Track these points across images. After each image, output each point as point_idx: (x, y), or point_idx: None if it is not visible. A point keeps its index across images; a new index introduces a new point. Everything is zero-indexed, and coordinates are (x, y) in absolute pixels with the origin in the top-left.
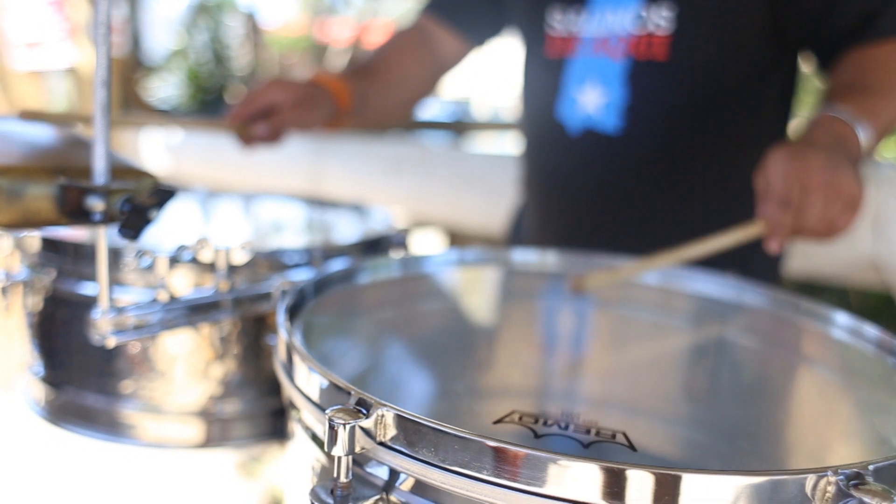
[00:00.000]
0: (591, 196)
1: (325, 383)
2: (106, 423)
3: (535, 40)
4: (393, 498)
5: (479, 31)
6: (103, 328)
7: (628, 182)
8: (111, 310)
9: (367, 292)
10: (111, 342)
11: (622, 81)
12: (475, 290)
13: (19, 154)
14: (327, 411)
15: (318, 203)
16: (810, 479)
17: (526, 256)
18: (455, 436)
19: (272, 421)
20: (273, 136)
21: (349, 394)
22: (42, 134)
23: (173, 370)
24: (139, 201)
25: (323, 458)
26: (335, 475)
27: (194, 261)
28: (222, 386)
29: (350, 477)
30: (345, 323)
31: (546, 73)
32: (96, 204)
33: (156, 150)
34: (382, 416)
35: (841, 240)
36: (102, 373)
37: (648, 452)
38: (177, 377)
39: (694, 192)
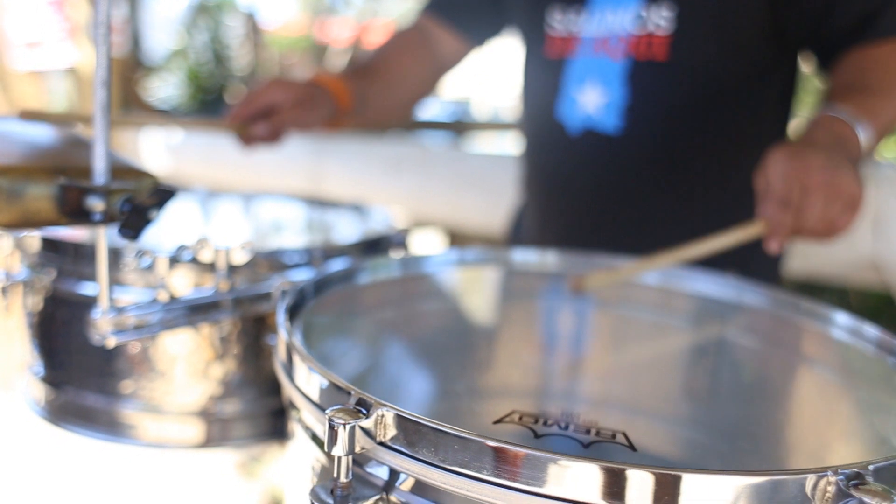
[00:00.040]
0: (591, 196)
1: (325, 383)
2: (106, 423)
3: (535, 40)
4: (393, 498)
5: (478, 31)
6: (103, 328)
7: (628, 182)
8: (111, 310)
9: (367, 292)
10: (111, 342)
11: (622, 81)
12: (475, 290)
13: (19, 154)
14: (327, 411)
15: (318, 203)
16: (810, 479)
17: (526, 256)
18: (455, 436)
19: (272, 421)
20: (273, 136)
21: (349, 394)
22: (42, 134)
23: (173, 370)
24: (139, 201)
25: (323, 458)
26: (335, 475)
27: (194, 261)
28: (222, 386)
29: (350, 477)
30: (345, 323)
31: (546, 73)
32: (96, 204)
33: (156, 150)
34: (382, 415)
35: (841, 240)
36: (102, 373)
37: (648, 452)
38: (177, 377)
39: (694, 192)
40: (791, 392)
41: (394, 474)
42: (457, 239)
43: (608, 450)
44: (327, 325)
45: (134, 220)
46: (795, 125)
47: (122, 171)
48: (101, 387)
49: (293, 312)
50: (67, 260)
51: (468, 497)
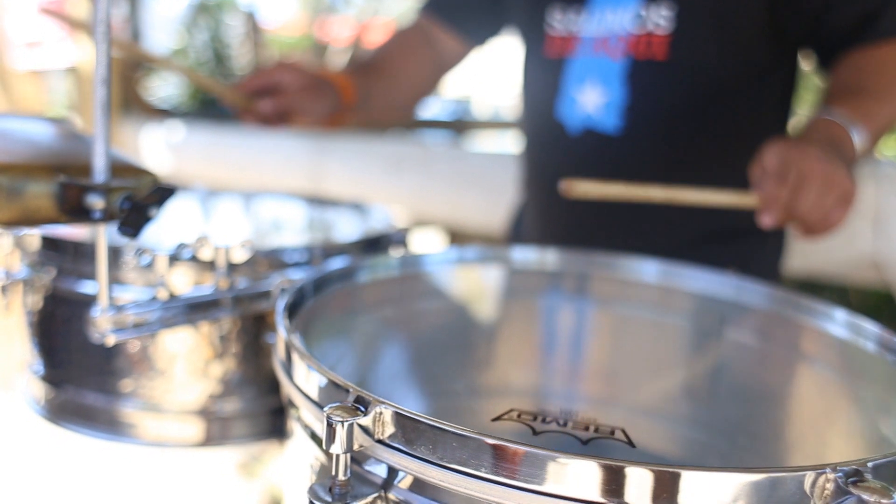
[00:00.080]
0: None
1: (324, 381)
2: (106, 422)
3: (535, 40)
4: (391, 496)
5: (478, 31)
6: (103, 326)
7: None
8: (111, 308)
9: (366, 291)
10: (111, 340)
11: (622, 81)
12: (475, 288)
13: (19, 152)
14: (325, 409)
15: (319, 201)
16: (809, 477)
17: (526, 255)
18: (453, 433)
19: (272, 419)
20: (274, 118)
21: (347, 391)
22: (42, 131)
23: (173, 369)
24: (139, 199)
25: (322, 456)
26: (333, 473)
27: (194, 259)
28: (222, 384)
29: (348, 475)
30: (344, 321)
31: (546, 73)
32: (96, 202)
33: (156, 148)
34: (381, 413)
35: (841, 238)
36: (102, 371)
37: (648, 450)
38: (176, 376)
39: None
40: (791, 390)
41: (392, 472)
42: (457, 237)
43: (607, 447)
44: (327, 324)
45: (134, 218)
46: (795, 124)
47: (122, 169)
48: (100, 385)
49: (292, 311)
50: (67, 258)
51: (467, 495)
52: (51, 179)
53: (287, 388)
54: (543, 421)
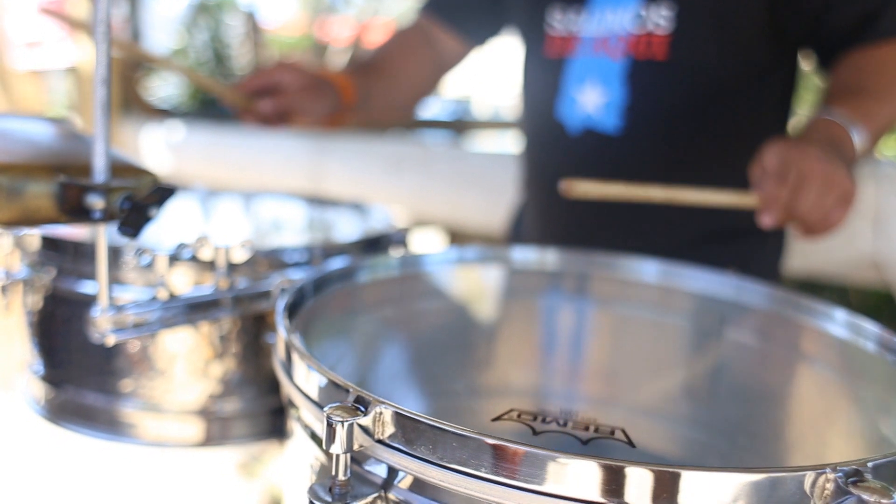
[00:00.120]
0: None
1: (324, 381)
2: (106, 422)
3: (535, 40)
4: (391, 496)
5: (478, 31)
6: (103, 326)
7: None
8: (111, 308)
9: (366, 291)
10: (111, 340)
11: (622, 81)
12: (475, 288)
13: (19, 152)
14: (325, 409)
15: (319, 201)
16: (809, 477)
17: (526, 255)
18: (453, 433)
19: (272, 419)
20: (274, 118)
21: (347, 391)
22: (42, 131)
23: (173, 369)
24: (139, 199)
25: (322, 457)
26: (333, 473)
27: (194, 259)
28: (222, 384)
29: (348, 475)
30: (344, 321)
31: (546, 73)
32: (96, 202)
33: (156, 148)
34: (381, 413)
35: (841, 238)
36: (102, 371)
37: (648, 450)
38: (176, 376)
39: None
40: (791, 390)
41: (392, 472)
42: (457, 237)
43: (607, 447)
44: (327, 324)
45: (134, 218)
46: (795, 124)
47: (122, 168)
48: (100, 385)
49: (292, 311)
50: (67, 258)
51: (467, 495)
52: (51, 179)
53: (287, 388)
54: (543, 421)
